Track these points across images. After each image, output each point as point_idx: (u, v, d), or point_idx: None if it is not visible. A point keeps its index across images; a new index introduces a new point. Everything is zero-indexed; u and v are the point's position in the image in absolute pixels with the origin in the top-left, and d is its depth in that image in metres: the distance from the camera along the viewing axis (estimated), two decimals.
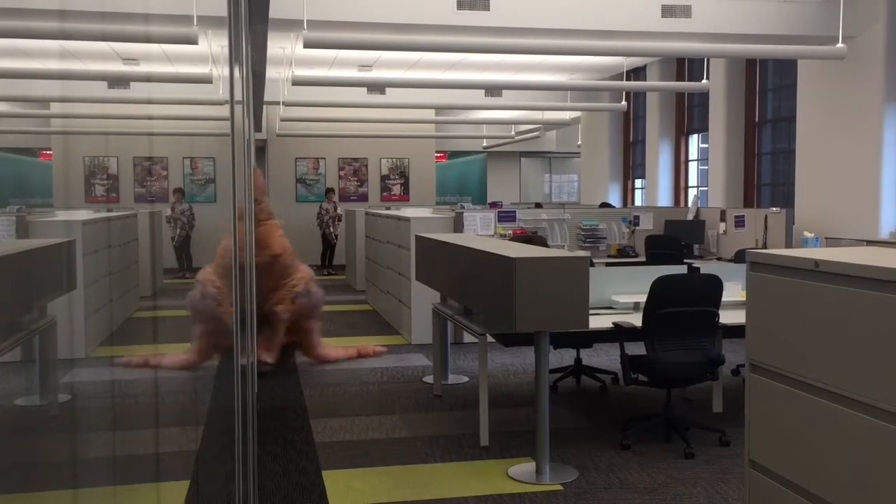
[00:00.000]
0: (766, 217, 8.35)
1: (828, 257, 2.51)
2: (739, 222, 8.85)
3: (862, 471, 2.34)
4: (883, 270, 2.26)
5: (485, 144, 19.86)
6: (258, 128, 14.09)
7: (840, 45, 7.60)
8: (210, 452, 4.70)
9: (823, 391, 2.49)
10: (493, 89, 13.78)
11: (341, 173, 16.22)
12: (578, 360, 6.35)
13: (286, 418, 5.47)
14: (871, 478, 2.31)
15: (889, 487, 2.24)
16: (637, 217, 9.71)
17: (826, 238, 8.14)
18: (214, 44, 9.44)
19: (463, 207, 11.23)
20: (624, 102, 12.42)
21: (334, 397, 6.01)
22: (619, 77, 13.25)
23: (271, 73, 10.74)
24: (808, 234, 8.17)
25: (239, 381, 2.81)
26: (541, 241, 7.24)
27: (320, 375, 6.66)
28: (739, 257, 7.51)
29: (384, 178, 16.40)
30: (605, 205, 12.94)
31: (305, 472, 4.39)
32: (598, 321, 4.81)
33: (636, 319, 4.80)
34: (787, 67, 10.06)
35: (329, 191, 14.94)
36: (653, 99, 13.17)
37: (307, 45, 7.15)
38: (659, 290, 4.62)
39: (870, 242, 7.44)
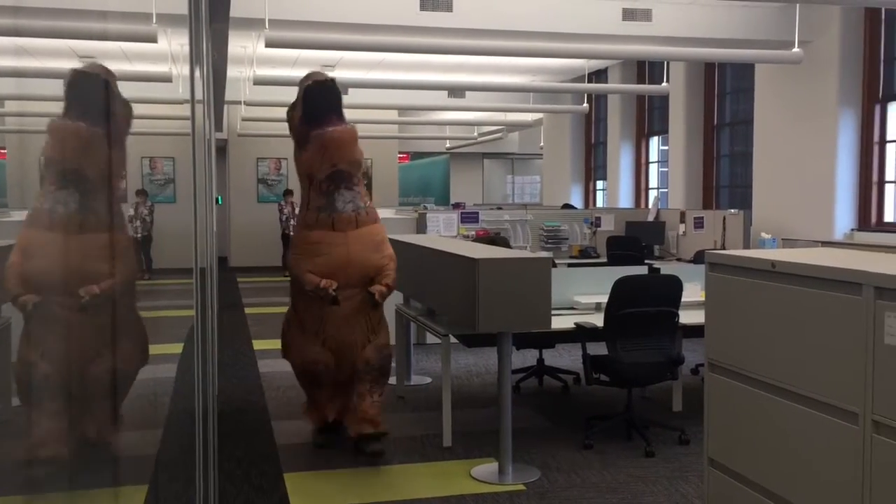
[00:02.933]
0: (724, 218, 8.48)
1: (784, 258, 2.56)
2: (698, 224, 8.97)
3: (818, 467, 2.38)
4: (836, 271, 2.31)
5: (448, 145, 19.87)
6: (219, 127, 13.93)
7: (796, 49, 7.75)
8: (169, 456, 4.64)
9: (780, 389, 2.53)
10: (455, 90, 13.79)
11: None
12: (541, 360, 6.38)
13: (247, 420, 5.41)
14: (827, 474, 2.35)
15: (844, 483, 2.28)
16: (598, 218, 9.79)
17: (783, 239, 8.29)
18: (174, 42, 9.31)
19: (426, 208, 11.23)
20: (586, 105, 12.51)
21: (296, 399, 5.96)
22: (580, 79, 13.34)
23: (232, 72, 10.63)
24: (765, 236, 8.31)
25: (199, 384, 2.77)
26: (503, 242, 7.27)
27: (282, 377, 6.61)
28: (699, 258, 7.61)
29: None
30: (567, 206, 13.01)
31: (266, 475, 4.35)
32: (560, 322, 4.84)
33: (598, 320, 4.85)
34: (744, 71, 10.22)
35: (287, 192, 14.90)
36: (614, 101, 13.29)
37: (269, 45, 7.09)
38: (620, 290, 4.67)
39: (825, 243, 7.59)
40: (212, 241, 3.86)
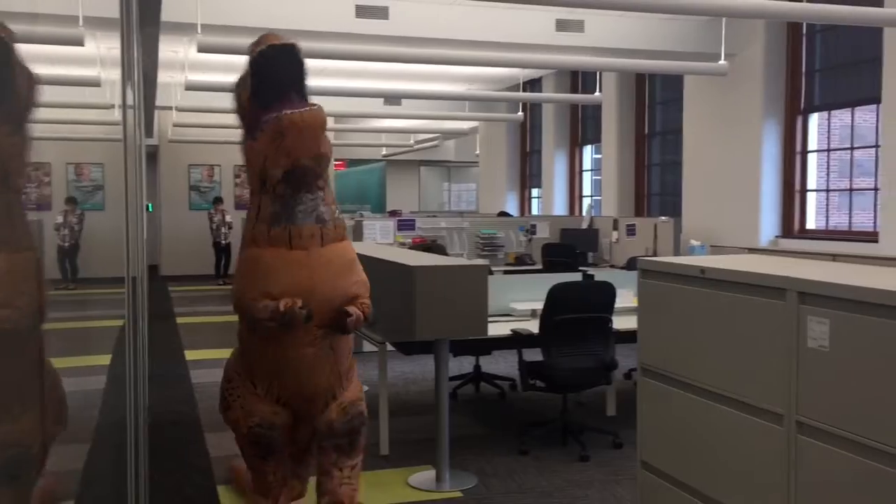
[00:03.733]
0: (655, 226, 8.66)
1: (712, 264, 2.63)
2: (631, 231, 9.15)
3: (746, 468, 2.45)
4: (762, 277, 2.38)
5: (384, 153, 19.84)
6: (149, 133, 13.64)
7: (722, 61, 7.99)
8: (97, 470, 4.51)
9: (709, 392, 2.59)
10: (392, 98, 13.79)
11: (237, 180, 15.88)
12: (478, 367, 6.41)
13: (179, 432, 5.30)
14: (755, 474, 2.42)
15: (771, 482, 2.35)
16: (534, 226, 9.90)
17: (711, 246, 8.51)
18: (103, 46, 9.08)
19: (362, 216, 11.18)
20: (521, 113, 12.65)
21: None
22: (515, 88, 13.49)
23: (163, 77, 10.42)
24: (694, 242, 8.52)
25: (130, 395, 2.70)
26: (440, 250, 7.28)
27: (215, 388, 6.48)
28: (631, 265, 7.75)
29: None
30: (502, 214, 13.13)
31: (200, 489, 4.27)
32: (497, 328, 4.87)
33: (534, 326, 4.89)
34: (674, 82, 10.48)
35: (217, 200, 14.72)
36: (548, 110, 13.47)
37: (201, 50, 6.98)
38: (555, 297, 4.72)
39: (751, 250, 7.82)
40: (142, 249, 3.78)
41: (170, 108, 12.09)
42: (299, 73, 3.39)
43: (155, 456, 4.59)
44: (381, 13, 7.51)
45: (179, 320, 10.10)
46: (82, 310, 10.59)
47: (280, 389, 3.47)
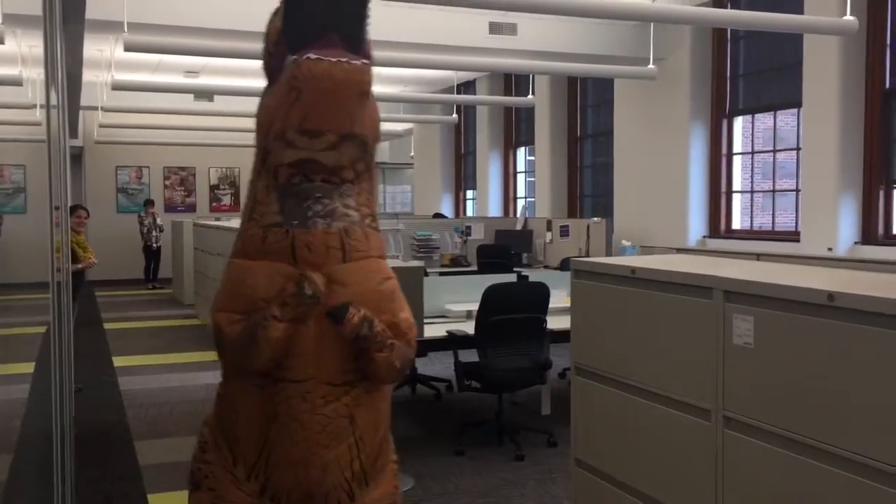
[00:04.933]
0: (588, 227, 8.80)
1: (642, 265, 2.68)
2: (564, 232, 9.27)
3: (676, 463, 2.51)
4: (690, 276, 2.44)
5: None
6: (74, 134, 13.24)
7: (651, 66, 8.16)
8: (20, 483, 4.36)
9: (640, 390, 2.65)
10: None
11: (167, 182, 15.54)
12: (413, 369, 6.41)
13: (107, 441, 5.16)
14: (685, 468, 2.48)
15: (700, 476, 2.41)
16: (469, 227, 9.95)
17: (642, 246, 8.69)
18: (24, 44, 8.78)
19: None
20: (455, 115, 12.69)
21: (160, 416, 5.73)
22: (450, 90, 13.52)
23: (89, 76, 10.13)
24: (625, 243, 8.68)
25: (56, 404, 2.62)
26: None
27: (145, 394, 6.33)
28: (565, 265, 7.86)
29: (213, 187, 15.86)
30: (437, 215, 13.14)
31: (129, 498, 4.16)
32: (433, 330, 4.88)
33: (469, 327, 4.92)
34: (605, 85, 10.65)
35: (148, 202, 14.38)
36: (482, 112, 13.54)
37: (128, 49, 6.81)
38: (490, 298, 4.76)
39: (679, 250, 7.99)
40: (67, 253, 3.67)
41: (95, 108, 11.74)
42: (355, 11, 2.29)
43: (82, 466, 4.45)
44: None
45: (107, 326, 9.83)
46: (3, 316, 10.21)
47: (269, 472, 2.38)
